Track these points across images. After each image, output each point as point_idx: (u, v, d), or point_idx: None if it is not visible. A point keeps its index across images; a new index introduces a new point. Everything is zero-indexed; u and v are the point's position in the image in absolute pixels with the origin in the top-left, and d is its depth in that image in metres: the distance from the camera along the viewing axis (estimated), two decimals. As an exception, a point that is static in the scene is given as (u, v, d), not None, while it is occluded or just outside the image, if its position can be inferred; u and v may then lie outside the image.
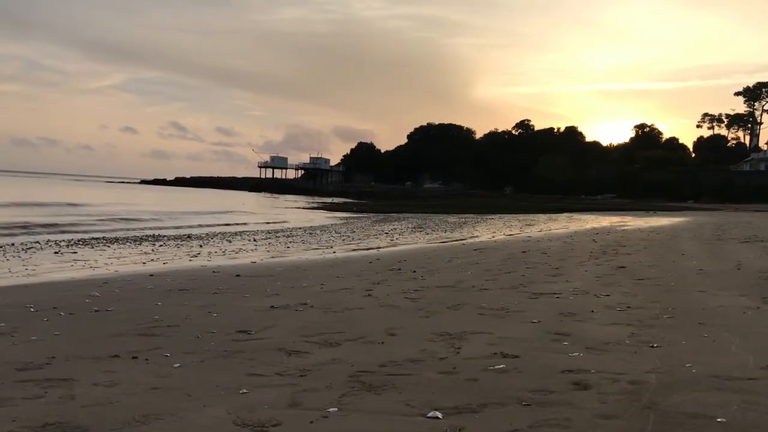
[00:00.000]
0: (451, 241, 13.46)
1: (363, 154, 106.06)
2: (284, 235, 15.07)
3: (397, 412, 2.17)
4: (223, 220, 21.68)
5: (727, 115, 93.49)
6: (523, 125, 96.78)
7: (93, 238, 12.63)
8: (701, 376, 2.54)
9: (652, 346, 3.11)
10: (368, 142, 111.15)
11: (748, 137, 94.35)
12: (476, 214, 31.40)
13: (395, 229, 18.64)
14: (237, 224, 20.26)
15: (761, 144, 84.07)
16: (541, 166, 78.19)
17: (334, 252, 10.46)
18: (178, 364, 2.83)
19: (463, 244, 11.88)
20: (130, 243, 11.85)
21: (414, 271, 6.60)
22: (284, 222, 22.10)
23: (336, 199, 57.64)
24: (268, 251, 10.60)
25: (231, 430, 2.02)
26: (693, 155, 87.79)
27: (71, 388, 2.47)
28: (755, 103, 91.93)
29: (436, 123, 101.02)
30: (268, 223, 20.94)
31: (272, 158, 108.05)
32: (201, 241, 12.57)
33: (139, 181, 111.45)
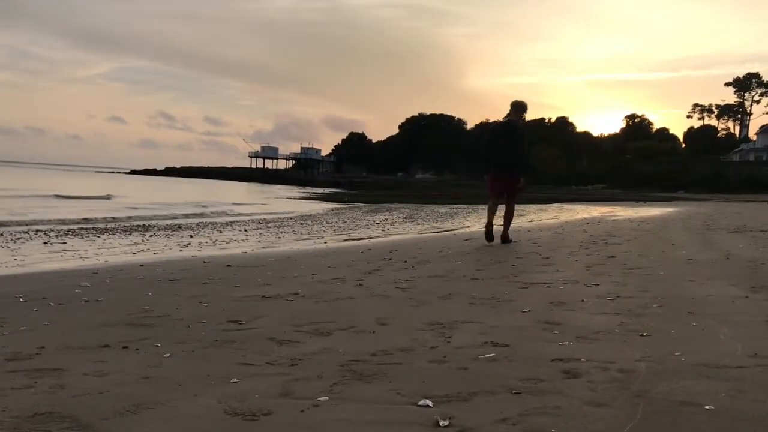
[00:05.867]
0: (443, 231, 13.48)
1: (354, 145, 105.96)
2: (275, 225, 15.04)
3: (387, 401, 2.18)
4: (214, 210, 21.65)
5: (717, 106, 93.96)
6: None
7: (82, 228, 12.56)
8: (690, 365, 2.56)
9: (642, 335, 3.13)
10: (359, 132, 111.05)
11: (738, 128, 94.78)
12: (468, 205, 31.41)
13: (386, 219, 18.64)
14: (228, 214, 20.23)
15: (751, 134, 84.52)
16: (532, 157, 78.33)
17: (325, 242, 10.45)
18: (169, 354, 2.83)
19: (455, 234, 11.90)
20: (120, 233, 11.80)
21: (405, 261, 6.60)
22: (275, 212, 22.04)
23: (327, 190, 57.54)
24: (258, 241, 10.58)
25: (222, 420, 2.02)
26: (683, 145, 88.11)
27: (61, 378, 2.46)
28: (745, 94, 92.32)
29: (428, 113, 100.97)
30: (259, 213, 20.90)
31: (263, 148, 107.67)
32: (191, 231, 12.53)
33: (128, 171, 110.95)
